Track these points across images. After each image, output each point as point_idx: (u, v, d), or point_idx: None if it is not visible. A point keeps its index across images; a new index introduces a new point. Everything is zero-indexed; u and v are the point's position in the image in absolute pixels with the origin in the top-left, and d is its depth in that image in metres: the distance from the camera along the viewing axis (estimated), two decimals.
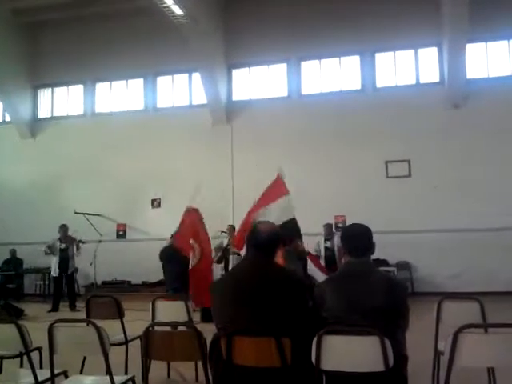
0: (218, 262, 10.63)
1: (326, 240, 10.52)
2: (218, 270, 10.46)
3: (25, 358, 3.87)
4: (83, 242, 11.70)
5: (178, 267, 9.67)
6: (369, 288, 2.92)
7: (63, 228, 11.47)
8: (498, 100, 12.24)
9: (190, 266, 8.42)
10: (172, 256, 9.74)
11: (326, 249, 10.43)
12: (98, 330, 3.27)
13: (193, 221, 8.69)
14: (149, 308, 5.11)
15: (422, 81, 13.28)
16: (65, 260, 11.34)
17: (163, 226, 11.11)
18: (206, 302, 7.37)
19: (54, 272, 11.39)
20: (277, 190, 8.12)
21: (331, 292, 3.01)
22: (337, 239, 10.03)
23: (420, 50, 13.34)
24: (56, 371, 3.52)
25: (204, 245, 8.58)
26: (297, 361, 2.88)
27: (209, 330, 3.28)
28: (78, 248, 11.51)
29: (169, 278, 9.87)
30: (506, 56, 12.84)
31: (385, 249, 11.17)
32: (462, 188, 12.29)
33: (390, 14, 12.87)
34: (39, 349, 4.23)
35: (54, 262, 11.38)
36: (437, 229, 12.14)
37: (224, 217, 12.73)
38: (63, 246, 11.35)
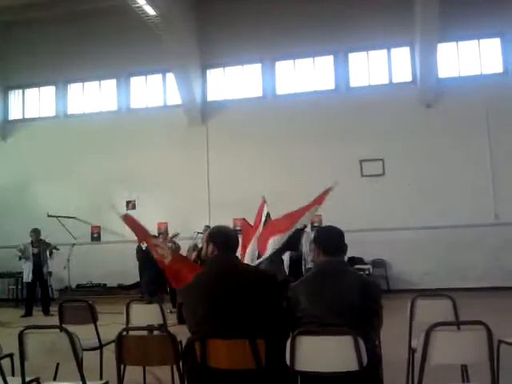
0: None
1: None
2: None
3: None
4: (58, 249, 11.51)
5: (155, 271, 9.58)
6: (343, 288, 2.94)
7: (35, 232, 11.26)
8: (469, 99, 12.43)
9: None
10: (148, 259, 9.65)
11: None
12: (70, 336, 3.22)
13: None
14: (123, 311, 5.05)
15: (394, 80, 13.42)
16: (38, 265, 11.13)
17: None
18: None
19: (27, 278, 11.17)
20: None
21: (305, 292, 3.02)
22: (305, 240, 8.82)
23: (393, 50, 13.48)
24: (28, 378, 3.46)
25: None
26: (271, 362, 2.88)
27: (185, 333, 3.26)
28: (51, 253, 11.32)
29: (146, 281, 9.79)
30: (477, 55, 13.06)
31: (360, 247, 11.27)
32: (435, 186, 12.47)
33: (363, 15, 12.98)
34: (11, 355, 4.14)
35: (26, 267, 11.16)
36: (411, 226, 12.30)
37: (200, 217, 12.70)
38: (35, 250, 11.15)
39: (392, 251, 12.39)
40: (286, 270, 8.69)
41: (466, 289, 10.44)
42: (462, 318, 3.96)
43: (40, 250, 11.18)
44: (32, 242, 11.21)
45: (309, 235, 9.11)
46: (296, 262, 8.96)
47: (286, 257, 8.96)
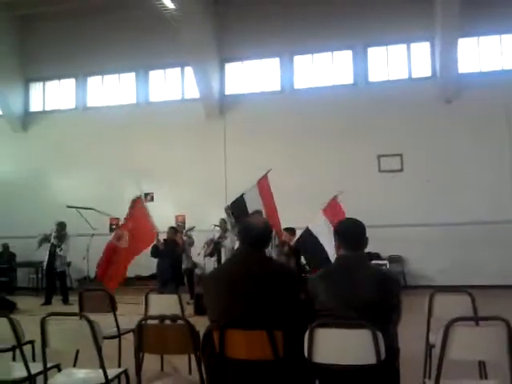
0: (210, 255, 10.67)
1: None
2: (210, 264, 10.52)
3: (17, 351, 3.86)
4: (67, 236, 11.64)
5: (168, 262, 9.76)
6: (362, 282, 2.94)
7: (60, 225, 11.39)
8: (490, 94, 12.27)
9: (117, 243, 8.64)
10: (162, 252, 9.84)
11: None
12: (91, 323, 3.28)
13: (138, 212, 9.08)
14: (141, 301, 5.12)
15: (414, 75, 13.30)
16: (56, 255, 11.24)
17: (156, 219, 11.05)
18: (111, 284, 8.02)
19: (46, 266, 11.31)
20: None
21: (324, 286, 3.02)
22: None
23: (412, 45, 13.36)
24: (49, 364, 3.52)
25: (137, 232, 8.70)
26: (289, 354, 2.90)
27: (202, 324, 3.30)
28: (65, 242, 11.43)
29: (159, 272, 9.98)
30: (498, 50, 12.88)
31: (377, 242, 11.09)
32: (453, 182, 12.38)
33: (382, 9, 12.87)
34: (32, 342, 4.23)
35: (46, 256, 11.31)
36: (428, 223, 12.22)
37: (217, 210, 12.72)
38: (55, 241, 11.27)
39: (409, 247, 12.33)
40: None
41: (482, 286, 10.33)
42: (481, 315, 3.94)
43: (59, 242, 11.30)
44: (53, 234, 11.33)
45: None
46: None
47: None
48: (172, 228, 10.72)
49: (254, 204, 8.32)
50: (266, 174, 8.72)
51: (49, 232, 11.41)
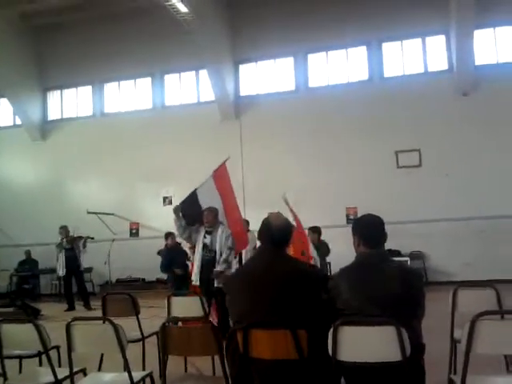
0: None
1: (206, 233, 6.94)
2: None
3: (43, 357, 3.90)
4: (92, 238, 11.73)
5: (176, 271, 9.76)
6: (384, 278, 2.91)
7: (64, 229, 11.49)
8: (507, 86, 12.11)
9: None
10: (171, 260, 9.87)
11: (205, 247, 6.87)
12: (115, 327, 3.30)
13: None
14: (163, 305, 5.16)
15: (430, 69, 13.20)
16: (70, 259, 11.27)
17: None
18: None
19: (61, 271, 11.35)
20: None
21: (346, 283, 3.00)
22: (221, 232, 6.84)
23: (427, 38, 13.24)
24: (75, 369, 3.55)
25: None
26: (313, 353, 2.88)
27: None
28: (84, 246, 11.48)
29: (172, 278, 10.01)
30: None
31: (397, 239, 11.15)
32: (473, 176, 12.23)
33: (395, 3, 12.80)
34: (57, 347, 4.28)
35: (60, 262, 11.35)
36: (449, 218, 12.10)
37: None
38: (68, 246, 11.35)
39: (430, 243, 12.22)
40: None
41: (506, 281, 10.18)
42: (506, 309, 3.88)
43: (72, 245, 11.38)
44: (62, 239, 11.43)
45: (225, 230, 7.02)
46: (207, 262, 6.83)
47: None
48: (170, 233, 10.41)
49: (209, 199, 7.29)
50: (224, 162, 7.85)
51: (57, 243, 11.51)
